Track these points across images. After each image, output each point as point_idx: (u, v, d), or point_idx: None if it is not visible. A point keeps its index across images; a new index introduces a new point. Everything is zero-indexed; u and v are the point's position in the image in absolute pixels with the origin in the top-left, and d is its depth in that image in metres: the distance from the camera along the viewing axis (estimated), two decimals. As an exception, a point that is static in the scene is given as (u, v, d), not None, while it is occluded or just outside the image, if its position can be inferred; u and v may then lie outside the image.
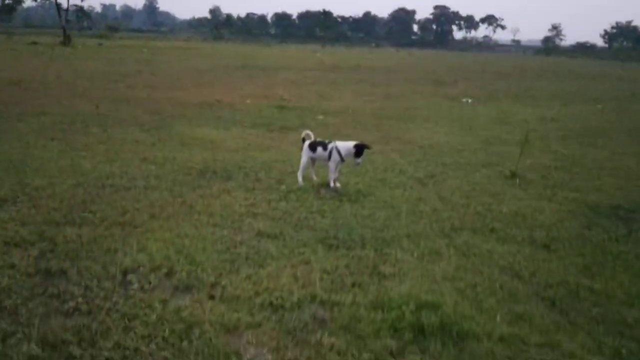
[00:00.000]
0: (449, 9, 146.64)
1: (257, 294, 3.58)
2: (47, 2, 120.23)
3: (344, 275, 3.95)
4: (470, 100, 15.89)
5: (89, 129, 9.22)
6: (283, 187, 6.47)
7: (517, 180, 6.88)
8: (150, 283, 3.66)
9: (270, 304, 3.46)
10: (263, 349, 2.99)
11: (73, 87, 15.07)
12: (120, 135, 8.83)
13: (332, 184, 6.73)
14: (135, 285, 3.62)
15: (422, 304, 3.46)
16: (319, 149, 7.08)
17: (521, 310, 3.56)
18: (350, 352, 2.98)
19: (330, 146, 7.08)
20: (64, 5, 63.91)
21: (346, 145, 7.20)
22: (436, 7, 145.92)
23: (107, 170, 6.44)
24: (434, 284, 3.86)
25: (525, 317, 3.48)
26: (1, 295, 3.39)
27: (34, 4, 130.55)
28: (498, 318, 3.41)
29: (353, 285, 3.79)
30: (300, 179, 6.84)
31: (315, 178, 6.98)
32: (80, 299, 3.38)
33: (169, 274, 3.81)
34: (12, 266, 3.79)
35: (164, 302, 3.41)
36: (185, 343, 2.97)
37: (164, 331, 3.07)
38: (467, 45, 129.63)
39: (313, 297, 3.57)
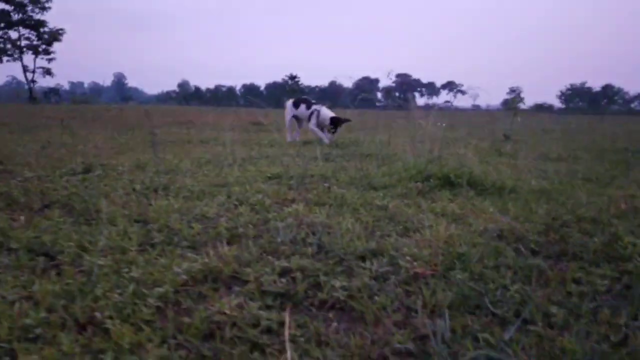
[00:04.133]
0: (411, 76, 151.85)
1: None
2: (15, 80, 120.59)
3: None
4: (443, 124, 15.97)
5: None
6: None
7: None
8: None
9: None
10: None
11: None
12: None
13: (325, 140, 6.85)
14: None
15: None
16: (302, 107, 7.02)
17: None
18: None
19: (313, 107, 7.06)
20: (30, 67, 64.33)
21: (326, 114, 7.07)
22: (398, 75, 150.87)
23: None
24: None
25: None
26: None
27: (1, 83, 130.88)
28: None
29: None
30: (288, 135, 6.92)
31: (297, 139, 6.97)
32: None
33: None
34: None
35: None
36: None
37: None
38: (429, 110, 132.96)
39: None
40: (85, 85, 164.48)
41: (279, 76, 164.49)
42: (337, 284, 2.16)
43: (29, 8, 71.81)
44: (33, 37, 72.76)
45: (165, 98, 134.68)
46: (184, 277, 2.14)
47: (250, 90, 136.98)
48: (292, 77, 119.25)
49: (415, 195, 4.01)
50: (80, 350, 1.59)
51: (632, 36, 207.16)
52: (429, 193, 4.10)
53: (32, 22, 71.97)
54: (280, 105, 11.72)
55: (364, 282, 2.19)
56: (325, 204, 3.67)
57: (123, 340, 1.64)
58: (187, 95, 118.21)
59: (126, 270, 2.20)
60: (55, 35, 72.44)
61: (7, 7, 70.50)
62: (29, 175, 4.55)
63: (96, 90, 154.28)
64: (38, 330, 1.69)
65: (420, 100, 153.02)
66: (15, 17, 71.26)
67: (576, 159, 7.02)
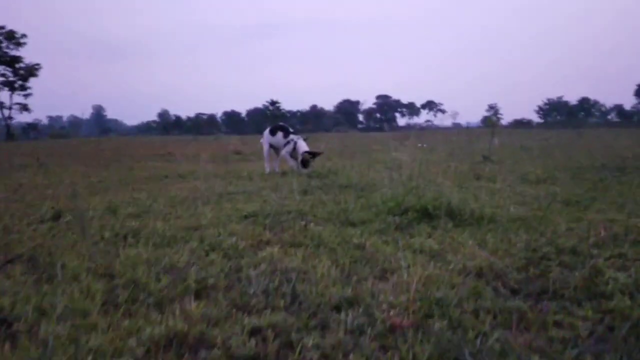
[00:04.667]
0: (391, 97, 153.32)
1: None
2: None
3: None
4: (425, 145, 16.08)
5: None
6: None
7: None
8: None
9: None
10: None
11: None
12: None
13: (296, 168, 6.97)
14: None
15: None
16: (279, 134, 7.08)
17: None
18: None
19: (291, 137, 7.14)
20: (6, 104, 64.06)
21: (302, 146, 7.10)
22: (378, 97, 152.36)
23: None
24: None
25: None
26: None
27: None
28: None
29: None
30: (266, 165, 6.98)
31: (277, 170, 7.06)
32: None
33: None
34: None
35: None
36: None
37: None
38: (410, 129, 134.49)
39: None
40: (64, 119, 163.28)
41: (260, 102, 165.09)
42: (310, 342, 2.06)
43: (4, 44, 71.51)
44: (9, 74, 72.27)
45: (145, 128, 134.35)
46: (147, 345, 2.01)
47: (231, 117, 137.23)
48: (273, 103, 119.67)
49: (393, 231, 3.93)
50: None
51: (607, 48, 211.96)
52: (407, 227, 4.02)
53: (7, 59, 71.57)
54: (261, 131, 11.70)
55: (339, 338, 2.09)
56: (302, 244, 3.57)
57: None
58: (168, 124, 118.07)
59: (85, 338, 2.07)
60: (32, 71, 72.02)
61: (-19, 44, 70.19)
62: (-3, 224, 4.39)
63: (75, 123, 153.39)
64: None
65: (402, 121, 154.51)
66: (-10, 53, 70.89)
67: (554, 180, 7.01)
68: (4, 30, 70.76)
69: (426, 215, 4.26)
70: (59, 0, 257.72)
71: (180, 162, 13.64)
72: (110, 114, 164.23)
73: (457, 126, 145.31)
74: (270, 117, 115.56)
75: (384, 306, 2.38)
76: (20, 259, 3.36)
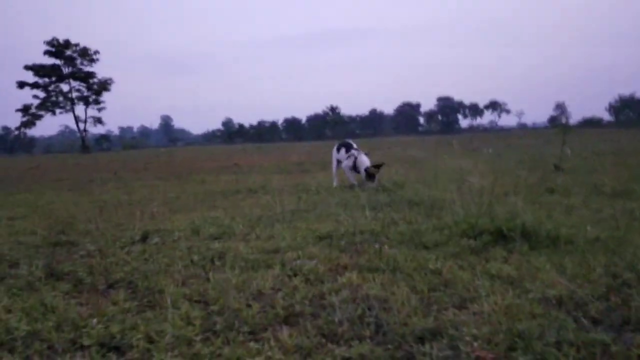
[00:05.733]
0: (453, 98, 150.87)
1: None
2: (67, 129, 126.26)
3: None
4: (491, 150, 15.97)
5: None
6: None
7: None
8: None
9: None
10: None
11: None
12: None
13: (355, 183, 7.20)
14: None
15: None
16: (342, 151, 7.37)
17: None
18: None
19: (352, 151, 7.38)
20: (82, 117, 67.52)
21: (363, 161, 7.32)
22: (439, 99, 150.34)
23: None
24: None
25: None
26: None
27: (54, 132, 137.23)
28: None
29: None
30: (334, 180, 7.23)
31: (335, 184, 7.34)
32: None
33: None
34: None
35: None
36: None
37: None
38: (474, 131, 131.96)
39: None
40: (135, 130, 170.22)
41: (319, 108, 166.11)
42: (399, 375, 2.19)
43: (78, 61, 75.43)
44: (83, 89, 76.14)
45: (210, 137, 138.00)
46: (249, 375, 2.20)
47: (292, 124, 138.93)
48: (333, 109, 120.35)
49: (469, 254, 3.99)
50: None
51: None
52: (482, 251, 4.07)
53: (82, 75, 75.43)
54: (321, 137, 12.00)
55: (426, 371, 2.21)
56: (378, 269, 3.70)
57: None
58: (232, 133, 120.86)
59: (194, 367, 2.28)
60: (104, 86, 75.57)
61: (57, 61, 74.32)
62: (91, 248, 4.76)
63: (145, 133, 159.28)
64: None
65: (464, 122, 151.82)
66: (66, 70, 74.93)
67: (631, 193, 6.82)
68: (78, 48, 74.77)
69: (501, 237, 4.29)
70: (129, 18, 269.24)
71: (248, 174, 14.08)
72: (177, 123, 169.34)
73: (522, 127, 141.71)
74: (331, 123, 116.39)
75: (468, 338, 2.47)
76: (120, 283, 3.66)
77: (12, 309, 3.11)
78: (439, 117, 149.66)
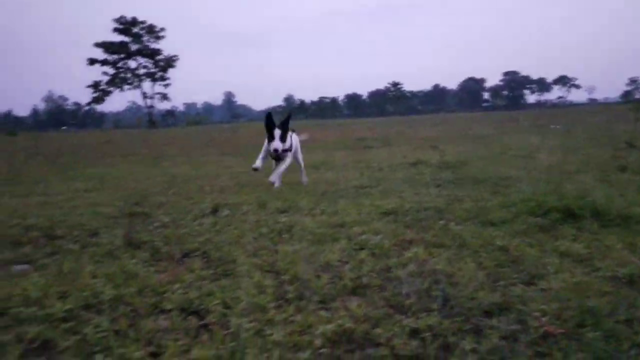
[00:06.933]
0: (519, 73, 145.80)
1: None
2: (135, 105, 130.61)
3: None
4: (558, 127, 15.45)
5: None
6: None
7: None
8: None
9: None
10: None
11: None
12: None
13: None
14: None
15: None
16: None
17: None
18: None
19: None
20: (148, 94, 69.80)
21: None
22: (506, 74, 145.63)
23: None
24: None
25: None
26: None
27: (122, 108, 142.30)
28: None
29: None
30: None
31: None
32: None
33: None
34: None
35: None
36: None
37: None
38: (541, 107, 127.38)
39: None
40: (199, 106, 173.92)
41: (381, 84, 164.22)
42: (467, 346, 2.24)
43: (145, 38, 77.59)
44: (150, 65, 78.34)
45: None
46: (321, 340, 2.31)
47: (353, 99, 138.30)
48: (395, 84, 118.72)
49: (537, 232, 3.96)
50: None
51: None
52: (550, 229, 4.02)
53: (149, 51, 77.57)
54: (383, 113, 11.89)
55: (494, 344, 2.25)
56: (444, 245, 3.73)
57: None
58: (293, 109, 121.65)
59: (269, 332, 2.41)
60: (170, 62, 77.49)
61: (125, 38, 76.74)
62: (165, 220, 5.00)
63: (208, 110, 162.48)
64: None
65: (531, 98, 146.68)
66: (133, 47, 77.28)
67: None
68: (145, 25, 76.86)
69: (570, 215, 4.22)
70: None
71: (310, 151, 14.21)
72: (240, 100, 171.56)
73: (593, 102, 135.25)
74: (392, 99, 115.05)
75: (536, 313, 2.49)
76: (194, 253, 3.86)
77: (97, 275, 3.34)
78: (505, 92, 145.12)
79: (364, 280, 3.09)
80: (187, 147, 18.86)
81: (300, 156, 7.48)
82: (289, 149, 6.98)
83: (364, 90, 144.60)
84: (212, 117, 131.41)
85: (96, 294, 2.99)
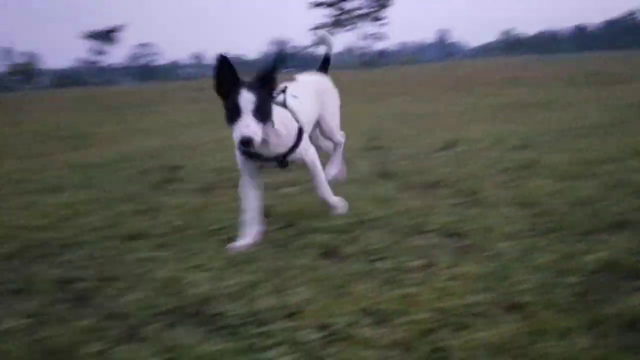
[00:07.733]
0: None
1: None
2: (350, 47, 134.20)
3: None
4: None
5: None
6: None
7: None
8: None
9: None
10: None
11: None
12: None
13: None
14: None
15: None
16: None
17: None
18: None
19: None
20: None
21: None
22: None
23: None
24: None
25: None
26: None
27: (339, 49, 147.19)
28: None
29: None
30: None
31: None
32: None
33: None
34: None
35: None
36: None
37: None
38: None
39: None
40: (411, 45, 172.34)
41: (616, 12, 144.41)
42: None
43: (361, -21, 78.17)
44: (365, 7, 79.17)
45: (487, 49, 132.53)
46: (591, 267, 2.34)
47: (580, 30, 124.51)
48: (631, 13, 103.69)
49: None
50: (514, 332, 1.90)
51: None
52: None
53: (366, -9, 78.09)
54: (617, 47, 10.45)
55: None
56: None
57: (548, 325, 1.93)
58: (510, 45, 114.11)
59: (534, 256, 2.51)
60: (385, 2, 77.47)
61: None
62: (406, 152, 5.29)
63: (420, 48, 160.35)
64: (477, 309, 2.08)
65: None
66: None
67: None
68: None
69: None
70: None
71: (531, 88, 13.45)
72: (452, 37, 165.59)
73: None
74: (632, 29, 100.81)
75: None
76: (441, 184, 4.05)
77: (361, 197, 3.70)
78: None
79: (626, 216, 2.98)
80: (407, 85, 19.13)
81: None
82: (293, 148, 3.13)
83: (595, 20, 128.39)
84: (424, 56, 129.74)
85: (359, 213, 3.34)
